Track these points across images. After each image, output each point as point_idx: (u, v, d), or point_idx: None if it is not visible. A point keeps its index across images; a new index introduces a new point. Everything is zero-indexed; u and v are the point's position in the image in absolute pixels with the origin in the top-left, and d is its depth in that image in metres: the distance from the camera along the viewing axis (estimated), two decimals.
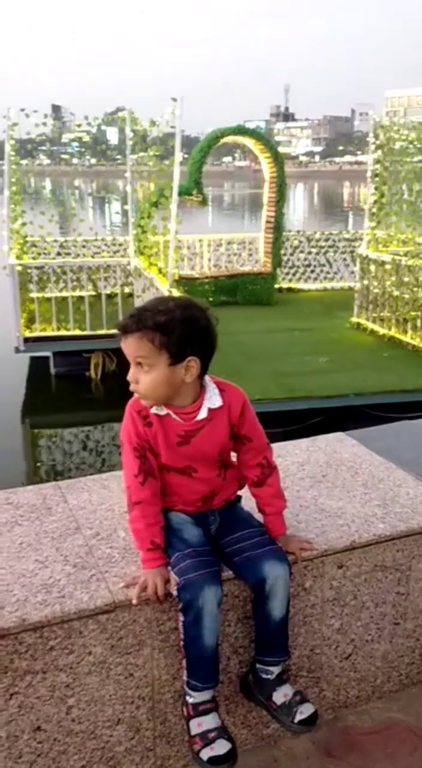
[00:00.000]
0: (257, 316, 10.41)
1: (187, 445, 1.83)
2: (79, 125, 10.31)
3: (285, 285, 12.54)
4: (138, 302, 9.39)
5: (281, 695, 1.80)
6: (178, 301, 1.84)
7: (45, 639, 1.67)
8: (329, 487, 2.32)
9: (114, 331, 8.27)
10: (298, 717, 1.76)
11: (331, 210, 48.48)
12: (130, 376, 1.76)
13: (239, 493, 2.00)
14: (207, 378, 1.84)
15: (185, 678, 1.77)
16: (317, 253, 12.83)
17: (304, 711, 1.77)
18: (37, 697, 1.70)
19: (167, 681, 1.85)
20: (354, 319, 9.69)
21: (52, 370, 10.16)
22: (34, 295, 10.11)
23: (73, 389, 9.86)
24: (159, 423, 1.82)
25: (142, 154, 9.55)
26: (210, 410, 1.82)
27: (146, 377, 1.74)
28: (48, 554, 1.91)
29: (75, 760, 1.79)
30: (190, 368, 1.75)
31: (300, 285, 12.76)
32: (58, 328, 9.61)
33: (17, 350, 9.59)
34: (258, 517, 1.96)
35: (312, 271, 12.86)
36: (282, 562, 1.80)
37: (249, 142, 11.44)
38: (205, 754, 1.69)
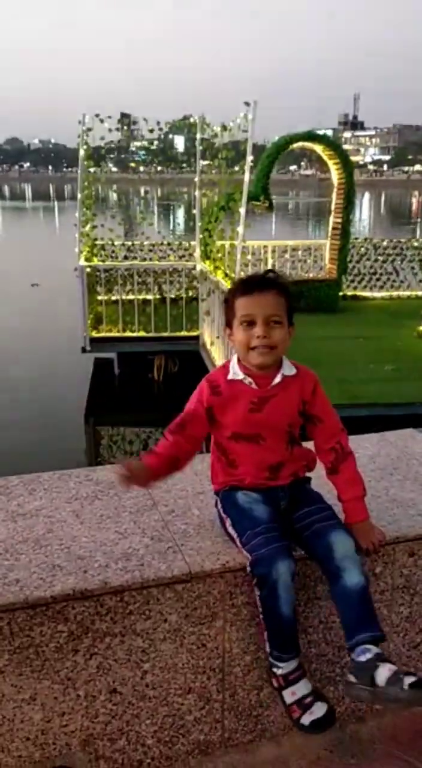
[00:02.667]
0: (321, 323, 10.35)
1: (260, 413, 1.90)
2: (151, 130, 10.49)
3: (350, 292, 12.45)
4: (203, 306, 9.51)
5: (385, 673, 1.65)
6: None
7: (125, 603, 1.75)
8: (400, 480, 2.33)
9: (178, 333, 8.41)
10: (409, 680, 1.61)
11: (398, 219, 47.79)
12: (261, 331, 1.83)
13: (309, 475, 2.04)
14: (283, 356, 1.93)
15: (268, 650, 1.81)
16: (384, 261, 12.68)
17: (411, 680, 1.62)
18: (115, 660, 1.78)
19: (238, 654, 1.91)
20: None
21: (116, 371, 10.37)
22: (101, 297, 10.36)
23: (135, 390, 10.04)
24: (230, 391, 1.90)
25: (208, 163, 9.67)
26: (284, 377, 1.90)
27: (278, 333, 1.85)
28: (127, 527, 2.00)
29: (147, 724, 1.86)
30: (291, 334, 1.89)
31: (366, 293, 12.63)
32: (123, 330, 9.81)
33: (84, 350, 9.83)
34: (333, 501, 1.99)
35: (378, 279, 12.71)
36: (350, 536, 1.83)
37: (318, 148, 11.42)
38: (306, 719, 1.74)
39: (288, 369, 1.93)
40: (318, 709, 1.75)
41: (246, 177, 7.57)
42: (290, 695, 1.79)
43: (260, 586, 1.78)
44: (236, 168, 8.63)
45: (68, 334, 10.72)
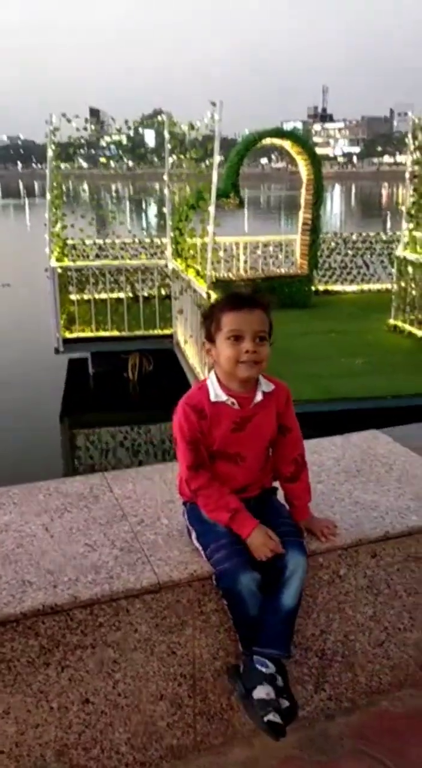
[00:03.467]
0: (293, 319, 10.43)
1: (242, 432, 1.94)
2: (118, 129, 10.46)
3: (321, 287, 12.55)
4: (176, 304, 9.53)
5: (263, 692, 1.77)
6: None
7: (95, 616, 1.79)
8: (363, 482, 2.40)
9: (152, 332, 8.38)
10: (269, 717, 1.72)
11: (369, 211, 48.12)
12: (251, 346, 1.87)
13: (275, 485, 2.10)
14: None
15: (241, 650, 1.88)
16: (354, 255, 12.81)
17: (277, 717, 1.73)
18: (86, 671, 1.82)
19: (208, 660, 1.95)
20: (392, 322, 9.67)
21: (90, 371, 10.36)
22: (73, 297, 10.33)
23: (110, 390, 10.03)
24: (214, 412, 1.93)
25: (179, 157, 9.66)
26: (264, 395, 1.95)
27: (264, 349, 1.90)
28: (96, 539, 2.03)
29: (120, 732, 1.90)
30: (270, 351, 1.92)
31: (337, 287, 12.75)
32: (97, 330, 9.79)
33: (57, 351, 9.80)
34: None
35: (349, 273, 12.85)
36: (303, 555, 1.91)
37: (286, 144, 11.49)
38: (274, 716, 1.75)
39: (266, 385, 1.97)
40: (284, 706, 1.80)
41: (215, 176, 7.61)
42: (265, 694, 1.79)
43: (226, 597, 1.84)
44: (206, 163, 8.63)
45: (41, 334, 10.66)
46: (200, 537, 1.94)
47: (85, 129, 10.12)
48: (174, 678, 1.93)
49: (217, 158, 7.60)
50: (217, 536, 1.90)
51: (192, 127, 9.06)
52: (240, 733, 2.05)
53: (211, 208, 7.61)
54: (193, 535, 1.97)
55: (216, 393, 1.93)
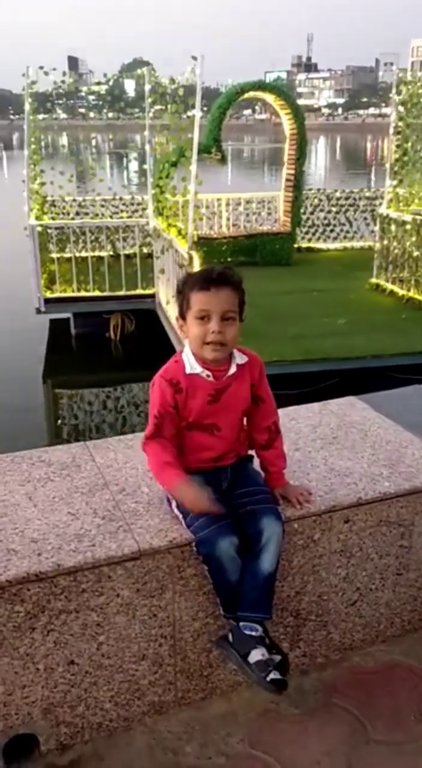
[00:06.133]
0: (275, 277, 10.43)
1: (217, 403, 2.00)
2: (98, 82, 10.21)
3: (304, 244, 12.52)
4: (157, 263, 9.48)
5: (259, 653, 1.84)
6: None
7: (78, 582, 1.86)
8: (339, 449, 2.47)
9: (133, 292, 8.35)
10: (272, 676, 1.80)
11: (354, 165, 47.60)
12: (217, 327, 1.90)
13: (251, 453, 2.16)
14: None
15: (221, 612, 1.97)
16: (337, 212, 12.75)
17: (277, 674, 1.82)
18: (71, 634, 1.90)
19: (187, 621, 2.04)
20: (374, 280, 9.70)
21: (73, 331, 10.33)
22: (53, 255, 10.22)
23: (92, 350, 10.03)
24: (189, 385, 1.97)
25: (160, 107, 9.45)
26: (238, 366, 2.00)
27: (231, 329, 1.93)
28: (79, 507, 2.09)
29: (104, 690, 1.99)
30: (241, 328, 1.96)
31: (320, 245, 12.73)
32: (78, 289, 9.73)
33: (38, 311, 9.75)
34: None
35: (332, 231, 12.81)
36: (279, 520, 1.97)
37: (269, 98, 11.30)
38: (274, 674, 1.83)
39: (240, 358, 2.02)
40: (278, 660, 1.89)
41: (196, 132, 7.48)
42: (260, 655, 1.86)
43: (206, 563, 1.92)
44: (186, 116, 8.46)
45: (22, 293, 10.57)
46: (180, 505, 2.00)
47: (64, 82, 9.85)
48: (155, 639, 2.01)
49: (198, 114, 7.47)
50: None
51: (173, 81, 8.87)
52: (219, 688, 2.15)
53: (193, 167, 7.51)
54: (173, 503, 2.03)
55: (191, 365, 1.98)
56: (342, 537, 2.19)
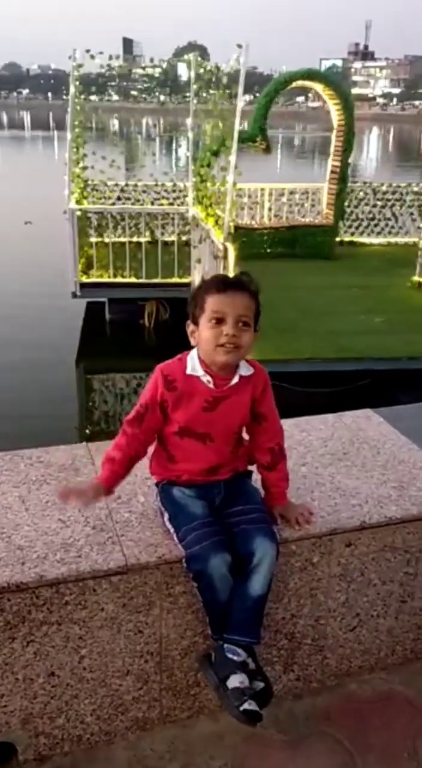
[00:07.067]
0: (315, 270, 10.25)
1: (212, 413, 1.91)
2: (152, 65, 10.13)
3: (347, 238, 12.27)
4: (195, 253, 9.38)
5: (236, 680, 1.77)
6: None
7: (61, 594, 1.81)
8: (348, 466, 2.36)
9: (169, 280, 8.28)
10: (245, 706, 1.72)
11: (406, 157, 46.53)
12: (232, 330, 1.82)
13: (250, 468, 2.07)
14: None
15: (211, 635, 1.90)
16: (383, 206, 12.44)
17: (253, 704, 1.73)
18: (52, 646, 1.85)
19: (175, 639, 1.97)
20: (416, 278, 9.43)
21: (107, 317, 10.33)
22: (92, 239, 10.21)
23: (126, 336, 10.01)
24: (186, 386, 1.89)
25: (206, 93, 9.30)
26: (241, 378, 1.91)
27: (246, 335, 1.85)
28: (70, 514, 2.04)
29: (86, 704, 1.94)
30: (254, 338, 1.87)
31: (363, 239, 12.45)
32: (115, 275, 9.71)
33: (74, 295, 9.77)
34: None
35: (376, 225, 12.51)
36: (273, 541, 1.87)
37: (318, 87, 11.06)
38: (249, 705, 1.75)
39: (246, 369, 1.94)
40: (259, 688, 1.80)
41: (237, 123, 7.35)
42: (238, 682, 1.79)
43: (196, 580, 1.84)
44: (233, 102, 8.31)
45: (60, 276, 10.61)
46: (172, 519, 1.93)
47: (110, 66, 9.78)
48: (140, 655, 1.95)
49: (241, 103, 7.33)
50: (189, 519, 1.89)
51: (218, 69, 8.72)
52: (207, 708, 2.09)
53: (232, 157, 7.38)
54: (166, 516, 1.96)
55: (193, 366, 1.90)
56: (343, 561, 2.09)
